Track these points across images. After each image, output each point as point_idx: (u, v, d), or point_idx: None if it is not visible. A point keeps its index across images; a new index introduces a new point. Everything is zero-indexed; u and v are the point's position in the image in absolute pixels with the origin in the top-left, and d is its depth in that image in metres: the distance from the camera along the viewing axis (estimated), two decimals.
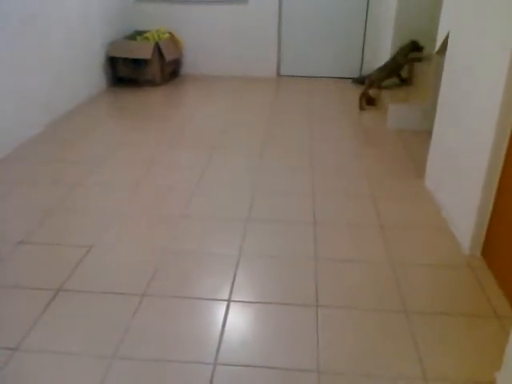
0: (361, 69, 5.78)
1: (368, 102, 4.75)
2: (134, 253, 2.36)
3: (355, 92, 5.25)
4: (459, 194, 2.57)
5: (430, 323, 1.91)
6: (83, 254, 2.33)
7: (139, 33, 5.56)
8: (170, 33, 5.54)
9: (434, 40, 4.05)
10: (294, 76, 5.86)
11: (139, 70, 5.20)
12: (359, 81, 5.56)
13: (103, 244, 2.42)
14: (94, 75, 5.00)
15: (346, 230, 2.59)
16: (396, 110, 4.07)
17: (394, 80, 4.66)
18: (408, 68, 4.61)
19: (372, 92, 4.92)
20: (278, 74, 5.88)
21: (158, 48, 5.15)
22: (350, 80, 5.71)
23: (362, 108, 4.62)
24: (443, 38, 3.53)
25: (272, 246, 2.42)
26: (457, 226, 2.57)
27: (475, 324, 1.92)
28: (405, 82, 4.62)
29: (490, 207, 2.30)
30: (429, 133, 3.99)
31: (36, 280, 2.13)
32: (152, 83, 5.29)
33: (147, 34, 5.39)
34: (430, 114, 3.99)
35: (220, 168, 3.31)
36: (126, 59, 5.16)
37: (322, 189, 3.02)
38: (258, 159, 3.45)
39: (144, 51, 5.06)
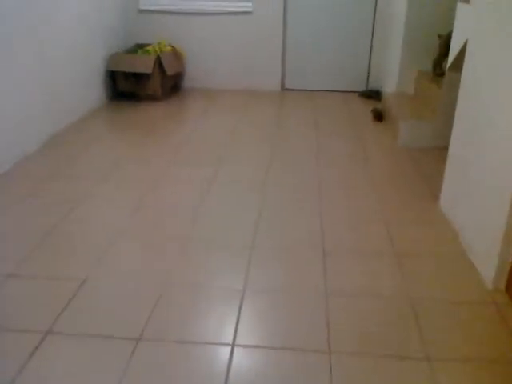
0: (367, 82, 5.63)
1: (377, 117, 4.59)
2: (130, 287, 2.18)
3: (362, 106, 5.10)
4: (479, 218, 2.40)
5: (455, 373, 1.73)
6: (76, 288, 2.16)
7: (140, 46, 5.43)
8: (171, 46, 5.41)
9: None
10: (299, 89, 5.72)
11: (140, 84, 5.06)
12: (366, 94, 5.41)
13: (98, 276, 2.25)
14: (94, 89, 4.86)
15: (357, 258, 2.41)
16: (407, 127, 3.90)
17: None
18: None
19: (381, 107, 4.76)
20: (283, 88, 5.74)
21: (159, 62, 5.01)
22: (357, 94, 5.55)
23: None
24: (456, 52, 3.38)
25: (279, 279, 2.25)
26: (477, 254, 2.39)
27: (505, 373, 1.74)
28: (442, 75, 4.14)
29: None
30: (440, 150, 3.84)
31: (23, 321, 1.96)
32: (153, 98, 5.14)
33: (148, 48, 5.26)
34: (441, 131, 3.83)
35: (223, 188, 3.14)
36: (126, 73, 5.02)
37: (332, 212, 2.85)
38: (264, 178, 3.29)
39: (145, 65, 4.92)
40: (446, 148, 3.86)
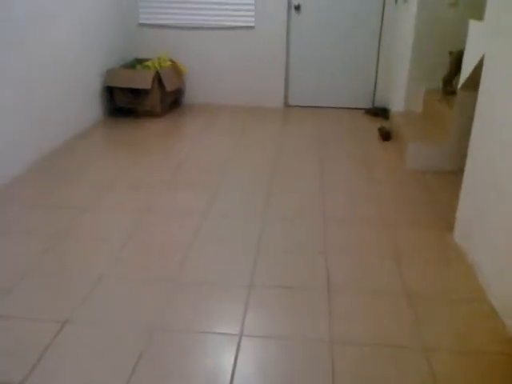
0: (373, 99, 5.44)
1: (384, 137, 4.40)
2: (114, 333, 1.98)
3: (368, 124, 4.91)
4: (500, 255, 2.19)
5: None
6: (55, 332, 1.96)
7: (140, 61, 5.27)
8: (171, 60, 5.25)
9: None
10: (302, 106, 5.54)
11: (138, 100, 4.89)
12: (372, 112, 5.23)
13: (80, 319, 2.05)
14: (91, 105, 4.69)
15: (366, 299, 2.20)
16: (416, 149, 3.71)
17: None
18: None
19: (388, 125, 4.58)
20: (286, 104, 5.56)
21: (158, 77, 4.85)
22: (362, 111, 5.37)
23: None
24: (470, 71, 3.19)
25: (279, 323, 2.04)
26: (498, 297, 2.17)
27: None
28: (452, 94, 3.97)
29: None
30: (452, 174, 3.64)
31: None
32: (152, 114, 4.97)
33: (148, 63, 5.10)
34: (452, 153, 3.64)
35: (221, 216, 2.94)
36: (124, 88, 4.85)
37: (337, 244, 2.65)
38: (264, 206, 3.09)
39: (143, 80, 4.75)
40: (457, 172, 3.67)
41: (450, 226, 2.85)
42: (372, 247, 2.63)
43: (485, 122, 2.47)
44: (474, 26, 3.17)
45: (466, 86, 3.36)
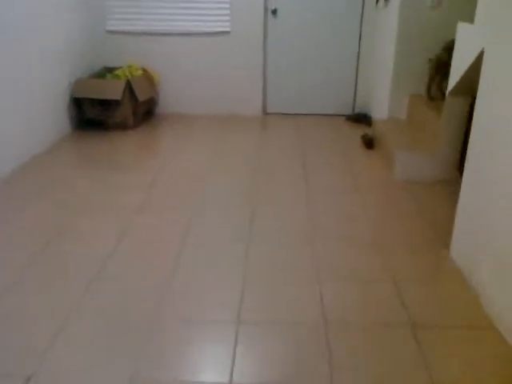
0: (354, 105, 5.28)
1: (367, 145, 4.23)
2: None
3: (350, 131, 4.74)
4: (507, 278, 2.01)
5: None
6: None
7: (109, 69, 4.99)
8: (143, 69, 4.98)
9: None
10: (281, 114, 5.34)
11: (108, 111, 4.61)
12: (354, 118, 5.06)
13: (46, 373, 1.78)
14: (58, 118, 4.39)
15: (366, 332, 1.99)
16: (404, 158, 3.54)
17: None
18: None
19: (371, 132, 4.41)
20: (264, 112, 5.35)
21: (129, 87, 4.58)
22: (343, 118, 5.20)
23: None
24: (460, 75, 3.03)
25: (271, 366, 1.81)
26: (506, 325, 1.99)
27: None
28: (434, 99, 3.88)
29: None
30: (442, 184, 3.49)
31: None
32: (123, 126, 4.69)
33: (118, 71, 4.83)
34: (442, 162, 3.48)
35: (202, 241, 2.70)
36: (93, 99, 4.57)
37: (329, 269, 2.44)
38: (248, 226, 2.86)
39: (113, 91, 4.48)
40: (447, 182, 3.53)
41: (445, 241, 2.67)
42: (366, 270, 2.43)
43: (485, 127, 2.28)
44: (463, 28, 3.01)
45: (455, 91, 3.21)
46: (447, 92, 3.28)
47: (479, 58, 2.56)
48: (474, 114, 2.40)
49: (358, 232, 2.81)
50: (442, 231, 2.81)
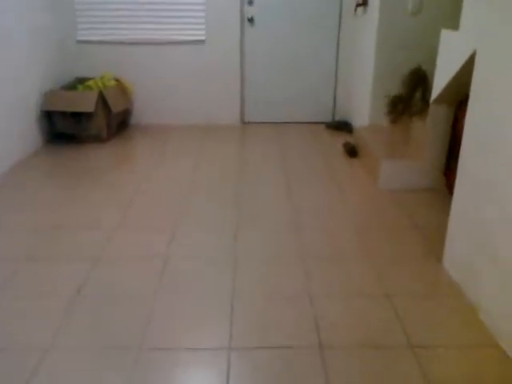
0: (333, 113, 5.22)
1: (350, 153, 4.15)
2: None
3: (331, 139, 4.67)
4: (506, 286, 1.93)
5: None
6: None
7: (81, 80, 4.80)
8: (116, 79, 4.82)
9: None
10: (260, 122, 5.24)
11: (81, 124, 4.42)
12: (333, 126, 5.00)
13: None
14: (27, 133, 4.19)
15: (365, 355, 1.88)
16: (389, 167, 3.47)
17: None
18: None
19: (352, 140, 4.34)
20: (243, 121, 5.24)
21: (102, 98, 4.41)
22: (323, 125, 5.13)
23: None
24: (445, 82, 2.98)
25: None
26: (509, 340, 1.91)
27: None
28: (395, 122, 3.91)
29: None
30: (428, 192, 3.42)
31: None
32: (97, 139, 4.51)
33: (90, 82, 4.64)
34: (427, 170, 3.43)
35: (184, 260, 2.55)
36: (64, 112, 4.38)
37: (321, 286, 2.33)
38: (232, 243, 2.73)
39: (86, 103, 4.30)
40: (434, 190, 3.47)
41: (436, 252, 2.60)
42: (359, 286, 2.33)
43: (478, 130, 2.20)
44: (447, 35, 2.96)
45: (439, 99, 3.16)
46: (431, 100, 3.22)
47: (469, 63, 2.51)
48: (467, 117, 2.33)
49: (347, 246, 2.71)
50: (432, 241, 2.74)
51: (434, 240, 2.74)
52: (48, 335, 1.98)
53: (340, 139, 4.58)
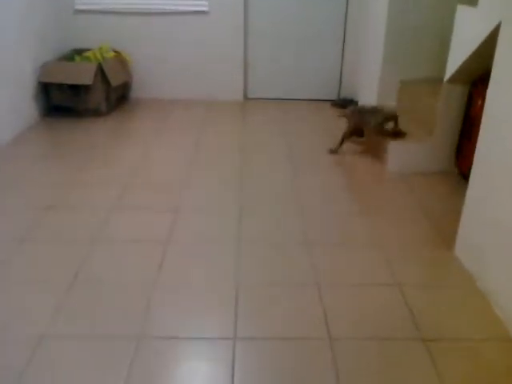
0: (339, 90, 5.06)
1: (357, 134, 4.02)
2: None
3: (337, 118, 4.51)
4: None
5: None
6: None
7: (78, 51, 4.63)
8: (115, 51, 4.64)
9: (440, 64, 3.37)
10: (263, 98, 5.08)
11: (79, 97, 4.27)
12: (339, 104, 4.85)
13: None
14: (23, 106, 4.04)
15: (374, 346, 1.81)
16: (397, 149, 3.35)
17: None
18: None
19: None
20: (246, 97, 5.08)
21: (101, 70, 4.25)
22: (328, 103, 4.98)
23: (333, 151, 3.67)
24: (461, 61, 2.84)
25: None
26: None
27: None
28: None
29: None
30: (439, 176, 3.31)
31: None
32: (95, 113, 4.37)
33: (88, 53, 4.48)
34: (438, 153, 3.31)
35: (186, 245, 2.46)
36: (61, 84, 4.22)
37: (328, 274, 2.24)
38: (236, 226, 2.63)
39: (84, 75, 4.14)
40: (444, 173, 3.36)
41: (447, 240, 2.50)
42: (369, 274, 2.24)
43: (499, 113, 2.08)
44: (464, 12, 2.81)
45: (453, 78, 3.02)
46: (445, 79, 3.09)
47: (491, 38, 2.37)
48: (488, 95, 2.18)
49: (353, 232, 2.61)
50: (443, 227, 2.64)
51: (445, 226, 2.65)
52: (44, 322, 1.89)
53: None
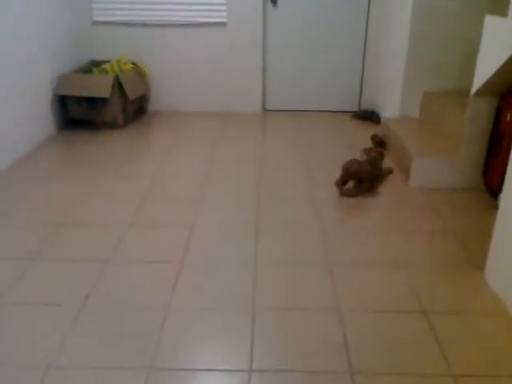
0: (360, 101, 4.95)
1: (379, 146, 3.90)
2: None
3: (358, 130, 4.41)
4: None
5: None
6: None
7: (96, 63, 4.62)
8: (133, 63, 4.61)
9: (465, 75, 3.25)
10: (282, 110, 4.99)
11: (96, 109, 4.24)
12: (361, 116, 4.73)
13: None
14: (40, 118, 4.02)
15: (400, 382, 1.68)
16: (421, 163, 3.22)
17: None
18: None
19: (381, 132, 4.08)
20: (264, 109, 5.01)
21: (118, 83, 4.21)
22: (349, 115, 4.87)
23: (343, 194, 3.13)
24: (490, 73, 2.71)
25: None
26: None
27: None
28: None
29: None
30: (465, 192, 3.16)
31: None
32: (113, 125, 4.33)
33: (106, 65, 4.45)
34: (465, 168, 3.17)
35: (201, 265, 2.36)
36: (79, 97, 4.20)
37: (348, 299, 2.12)
38: (253, 249, 2.52)
39: (101, 88, 4.11)
40: (471, 190, 3.21)
41: (477, 263, 2.36)
42: (392, 298, 2.11)
43: None
44: (493, 22, 2.68)
45: (481, 91, 2.89)
46: (472, 93, 2.95)
47: None
48: None
49: (378, 253, 2.49)
50: (472, 248, 2.50)
51: (474, 247, 2.51)
52: (53, 349, 1.81)
53: (368, 130, 4.32)
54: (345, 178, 3.10)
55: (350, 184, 3.14)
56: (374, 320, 1.99)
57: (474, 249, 2.49)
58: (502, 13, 2.60)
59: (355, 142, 4.07)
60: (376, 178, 3.21)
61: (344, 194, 3.09)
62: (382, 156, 3.35)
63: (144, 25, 4.65)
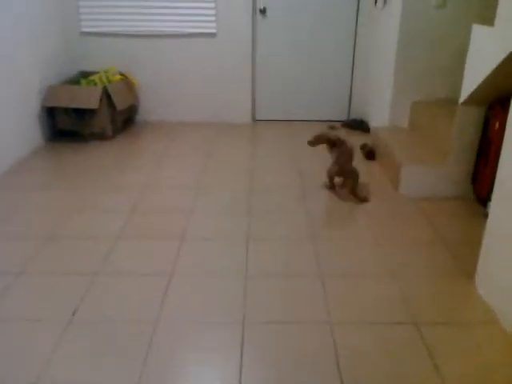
0: (349, 111, 4.96)
1: (367, 156, 3.91)
2: None
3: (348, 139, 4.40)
4: None
5: None
6: None
7: (85, 74, 4.59)
8: (121, 74, 4.59)
9: (454, 84, 3.26)
10: (272, 120, 4.99)
11: (84, 121, 4.21)
12: (350, 125, 4.74)
13: None
14: (27, 130, 3.98)
15: None
16: (411, 172, 3.23)
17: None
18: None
19: (370, 142, 4.09)
20: (254, 119, 5.00)
21: (106, 94, 4.19)
22: (338, 123, 4.87)
23: (331, 187, 3.34)
24: (478, 82, 2.72)
25: None
26: None
27: None
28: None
29: None
30: (453, 201, 3.17)
31: None
32: (101, 137, 4.30)
33: (94, 77, 4.43)
34: (453, 177, 3.18)
35: (191, 278, 2.33)
36: (67, 108, 4.17)
37: (340, 310, 2.10)
38: (243, 260, 2.50)
39: (89, 100, 4.08)
40: (460, 198, 3.22)
41: (467, 272, 2.36)
42: (383, 314, 2.10)
43: None
44: (480, 31, 2.70)
45: (469, 100, 2.90)
46: (460, 101, 2.97)
47: (508, 61, 2.26)
48: (508, 121, 2.06)
49: (365, 261, 2.47)
50: (461, 257, 2.50)
51: (464, 256, 2.50)
52: (40, 365, 1.77)
53: (357, 139, 4.32)
54: (339, 174, 3.24)
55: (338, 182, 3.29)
56: (364, 332, 1.97)
57: (464, 257, 2.49)
58: (491, 22, 2.62)
59: None
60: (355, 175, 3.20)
61: (359, 198, 3.15)
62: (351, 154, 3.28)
63: (133, 36, 4.64)
